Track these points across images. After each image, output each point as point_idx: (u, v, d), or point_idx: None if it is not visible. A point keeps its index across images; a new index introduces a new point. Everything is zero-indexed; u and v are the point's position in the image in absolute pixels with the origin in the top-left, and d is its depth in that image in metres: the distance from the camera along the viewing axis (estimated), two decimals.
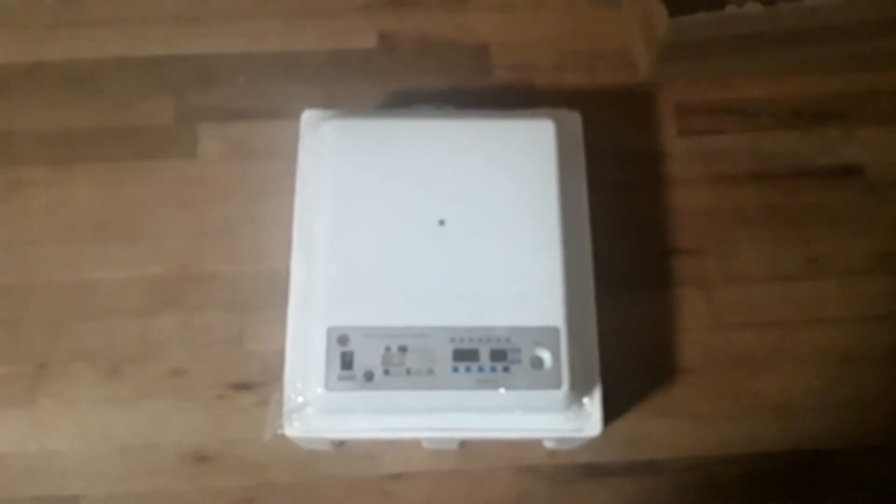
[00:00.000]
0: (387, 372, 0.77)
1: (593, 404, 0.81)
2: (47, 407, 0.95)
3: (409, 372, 0.77)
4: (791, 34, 1.01)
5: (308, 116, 0.92)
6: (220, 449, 0.93)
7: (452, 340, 0.78)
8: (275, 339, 0.85)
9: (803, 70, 1.08)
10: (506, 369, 0.77)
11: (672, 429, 0.95)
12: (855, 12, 0.99)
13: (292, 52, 1.09)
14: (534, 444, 0.93)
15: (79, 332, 0.97)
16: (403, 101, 1.06)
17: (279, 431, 0.80)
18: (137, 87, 1.07)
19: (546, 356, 0.77)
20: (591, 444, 0.87)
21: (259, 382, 0.95)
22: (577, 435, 0.80)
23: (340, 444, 0.92)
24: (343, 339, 0.77)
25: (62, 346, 0.97)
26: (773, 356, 0.97)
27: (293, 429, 0.80)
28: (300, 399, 0.79)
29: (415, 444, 0.91)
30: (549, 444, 0.92)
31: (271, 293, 0.91)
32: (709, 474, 0.94)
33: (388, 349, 0.77)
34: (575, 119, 0.92)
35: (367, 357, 0.77)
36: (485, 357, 0.77)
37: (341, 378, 0.76)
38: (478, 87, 1.08)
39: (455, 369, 0.77)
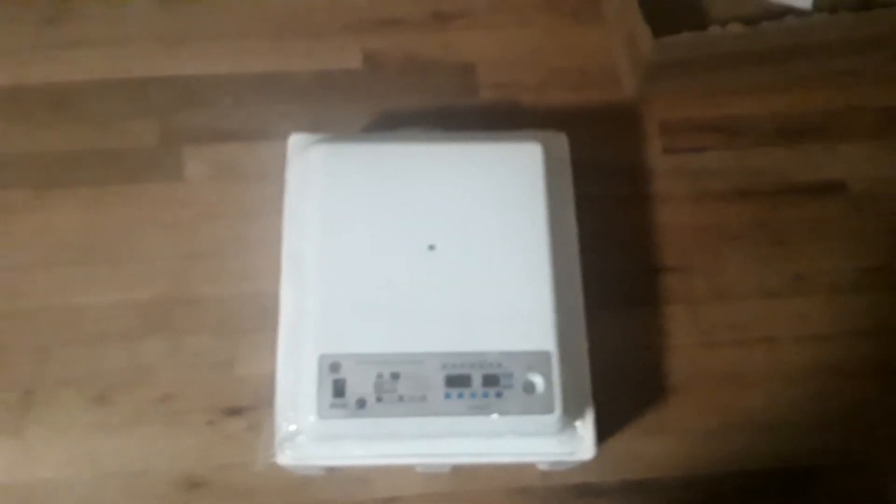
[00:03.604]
0: (379, 399, 0.77)
1: (586, 427, 0.81)
2: (35, 434, 0.94)
3: (401, 399, 0.77)
4: (773, 52, 1.02)
5: (295, 140, 0.92)
6: (210, 475, 0.93)
7: (444, 366, 0.78)
8: (265, 364, 0.85)
9: (786, 87, 1.09)
10: (498, 395, 0.77)
11: (662, 447, 0.95)
12: (835, 31, 1.00)
13: (278, 73, 1.09)
14: (527, 466, 0.93)
15: (66, 358, 0.96)
16: (390, 122, 1.06)
17: (271, 460, 0.80)
18: (122, 108, 1.07)
19: (538, 381, 0.77)
20: (583, 464, 0.87)
21: (249, 407, 0.94)
22: (570, 458, 0.81)
23: (333, 469, 0.92)
24: (335, 367, 0.77)
25: (49, 372, 0.96)
26: (760, 372, 0.98)
27: (286, 457, 0.80)
28: (292, 427, 0.79)
29: (407, 468, 0.91)
30: (542, 466, 0.92)
31: (260, 316, 0.91)
32: (700, 492, 0.94)
33: (380, 376, 0.77)
34: (561, 140, 0.93)
35: (360, 384, 0.77)
36: (477, 383, 0.77)
37: (333, 406, 0.76)
38: (464, 107, 1.08)
39: (447, 395, 0.77)
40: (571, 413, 0.79)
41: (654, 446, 0.95)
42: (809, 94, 1.09)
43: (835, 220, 1.04)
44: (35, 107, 1.07)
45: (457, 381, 0.77)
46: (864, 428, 0.97)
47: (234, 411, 0.94)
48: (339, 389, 0.77)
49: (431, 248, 0.82)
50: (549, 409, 0.77)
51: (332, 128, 0.98)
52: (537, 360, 0.78)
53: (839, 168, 1.06)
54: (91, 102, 1.07)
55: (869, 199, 1.05)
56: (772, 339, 0.99)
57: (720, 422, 0.96)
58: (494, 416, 0.77)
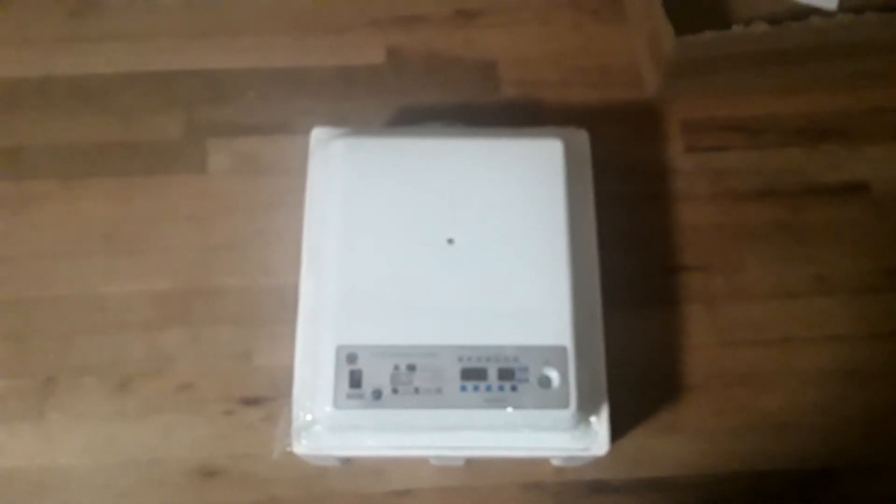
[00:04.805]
0: (395, 391, 0.77)
1: (600, 423, 0.81)
2: (56, 421, 0.95)
3: (417, 391, 0.77)
4: (797, 52, 1.02)
5: (318, 134, 0.92)
6: (227, 464, 0.94)
7: (461, 359, 0.78)
8: (283, 355, 0.85)
9: (809, 87, 1.08)
10: (513, 388, 0.77)
11: (677, 446, 0.95)
12: (860, 31, 1.00)
13: (301, 68, 1.09)
14: (540, 461, 0.93)
15: (87, 346, 0.97)
16: (411, 117, 1.06)
17: (288, 449, 0.81)
18: (147, 101, 1.08)
19: (554, 375, 0.77)
20: (597, 460, 0.87)
21: (267, 398, 0.95)
22: (584, 454, 0.81)
23: (348, 461, 0.92)
24: (352, 358, 0.78)
25: (71, 359, 0.97)
26: (778, 373, 0.97)
27: (302, 446, 0.80)
28: (309, 417, 0.79)
29: (421, 461, 0.92)
30: (555, 462, 0.92)
31: (280, 308, 0.91)
32: (714, 492, 0.94)
33: (396, 368, 0.78)
34: (582, 137, 0.93)
35: (376, 375, 0.77)
36: (493, 376, 0.77)
37: (350, 396, 0.77)
38: (485, 103, 1.08)
39: (463, 388, 0.77)
40: (586, 409, 0.79)
41: (669, 445, 0.95)
42: (833, 94, 1.08)
43: (856, 222, 1.03)
44: (62, 98, 1.08)
45: (472, 374, 0.77)
46: (881, 430, 0.96)
47: (252, 401, 0.95)
48: (355, 380, 0.77)
49: (450, 241, 0.83)
50: (563, 404, 0.77)
51: (355, 122, 0.99)
52: (553, 355, 0.78)
53: (862, 169, 1.05)
54: (117, 95, 1.08)
55: (891, 200, 1.04)
56: (790, 340, 0.98)
57: (736, 422, 0.95)
58: (509, 409, 0.77)
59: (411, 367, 0.78)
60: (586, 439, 0.80)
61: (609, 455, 0.82)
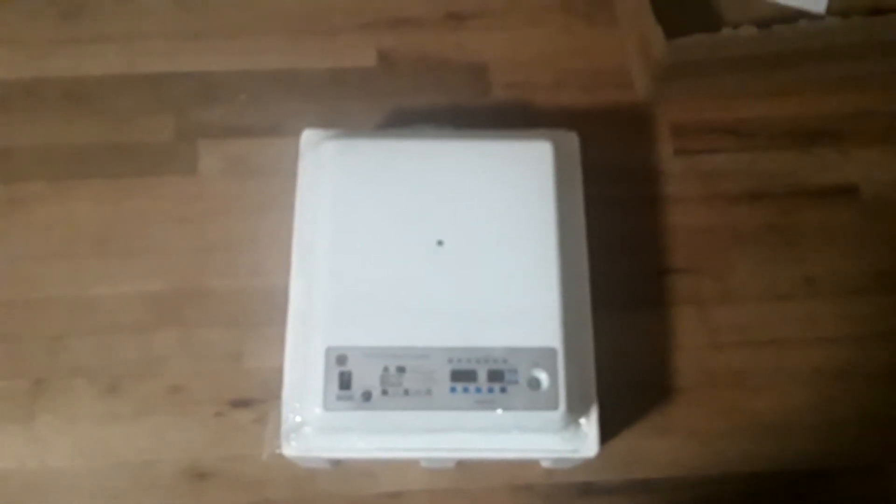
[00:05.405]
0: (385, 392, 0.77)
1: (590, 425, 0.81)
2: (46, 423, 0.95)
3: (406, 392, 0.77)
4: (786, 55, 1.02)
5: (308, 136, 0.92)
6: (218, 466, 0.94)
7: (450, 361, 0.78)
8: (273, 357, 0.85)
9: (799, 90, 1.08)
10: (503, 390, 0.77)
11: (668, 447, 0.95)
12: (848, 34, 1.00)
13: (292, 70, 1.10)
14: (531, 463, 0.93)
15: (78, 348, 0.97)
16: (402, 120, 1.07)
17: (277, 451, 0.81)
18: (138, 103, 1.08)
19: (543, 377, 0.78)
20: (587, 462, 0.87)
21: (258, 399, 0.95)
22: (573, 456, 0.81)
23: (338, 463, 0.92)
24: (341, 359, 0.78)
25: (61, 361, 0.97)
26: (769, 375, 0.98)
27: (291, 448, 0.80)
28: (298, 419, 0.79)
29: (412, 463, 0.92)
30: (545, 464, 0.92)
31: (270, 310, 0.91)
32: (705, 493, 0.94)
33: (386, 369, 0.78)
34: (572, 139, 0.93)
35: (366, 377, 0.77)
36: (482, 378, 0.78)
37: (339, 398, 0.77)
38: (476, 106, 1.08)
39: (453, 390, 0.77)
40: (576, 410, 0.79)
41: (660, 446, 0.95)
42: (822, 97, 1.08)
43: (846, 224, 1.04)
44: (53, 100, 1.08)
45: (462, 376, 0.78)
46: (872, 431, 0.96)
47: (242, 403, 0.95)
48: (345, 382, 0.77)
49: (440, 243, 0.83)
50: (553, 406, 0.77)
51: (346, 125, 0.98)
52: (543, 357, 0.78)
53: (851, 172, 1.06)
54: (108, 97, 1.08)
55: (881, 203, 1.04)
56: (780, 342, 0.99)
57: (726, 423, 0.96)
58: (499, 411, 0.77)
59: (401, 369, 0.78)
60: (576, 441, 0.81)
61: (599, 457, 0.82)
